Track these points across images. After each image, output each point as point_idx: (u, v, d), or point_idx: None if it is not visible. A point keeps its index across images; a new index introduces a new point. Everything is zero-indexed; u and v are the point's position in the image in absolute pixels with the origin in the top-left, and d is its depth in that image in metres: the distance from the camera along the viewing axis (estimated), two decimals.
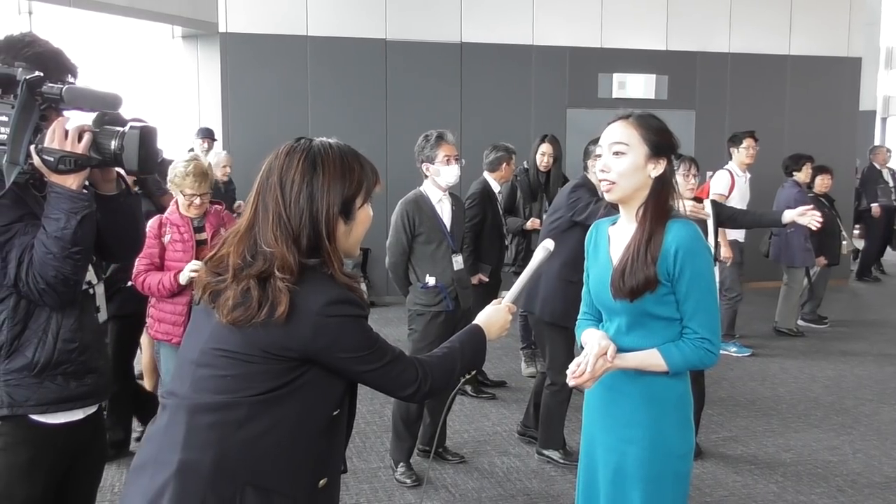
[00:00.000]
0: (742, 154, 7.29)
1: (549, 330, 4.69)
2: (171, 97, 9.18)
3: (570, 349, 4.63)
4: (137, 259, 4.07)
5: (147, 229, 4.15)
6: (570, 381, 2.40)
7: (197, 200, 4.21)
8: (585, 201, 4.48)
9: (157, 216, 4.28)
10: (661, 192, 2.40)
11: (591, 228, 2.66)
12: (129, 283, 4.27)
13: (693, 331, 2.37)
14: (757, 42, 10.66)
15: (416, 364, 1.97)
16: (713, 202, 5.09)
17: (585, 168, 4.80)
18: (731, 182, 7.24)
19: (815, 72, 10.84)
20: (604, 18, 10.15)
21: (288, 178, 1.79)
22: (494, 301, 2.31)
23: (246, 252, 1.79)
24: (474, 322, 2.23)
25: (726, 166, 7.37)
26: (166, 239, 4.19)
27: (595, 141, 4.72)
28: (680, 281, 2.33)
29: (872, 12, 12.50)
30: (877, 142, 13.95)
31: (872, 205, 11.41)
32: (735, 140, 7.37)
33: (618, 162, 2.39)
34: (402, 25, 9.50)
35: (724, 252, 6.97)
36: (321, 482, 1.89)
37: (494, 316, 2.25)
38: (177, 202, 4.30)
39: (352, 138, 1.93)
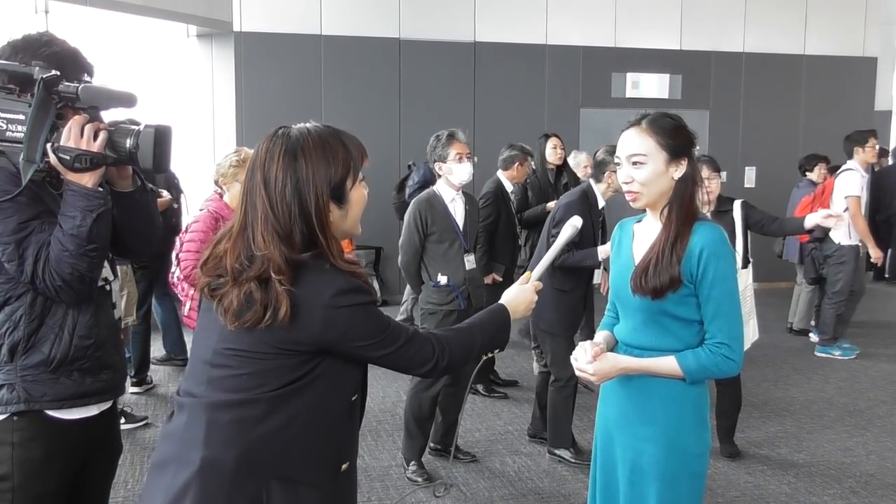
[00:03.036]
0: (868, 153, 7.22)
1: (547, 333, 4.73)
2: (185, 96, 9.20)
3: (570, 345, 4.65)
4: (186, 254, 4.16)
5: (197, 224, 4.22)
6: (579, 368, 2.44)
7: None
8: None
9: (208, 212, 4.30)
10: (686, 192, 2.39)
11: (615, 228, 2.66)
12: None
13: (712, 335, 2.36)
14: (771, 42, 10.62)
15: (432, 340, 1.94)
16: (744, 203, 5.00)
17: (598, 178, 4.74)
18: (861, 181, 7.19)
19: (831, 72, 10.79)
20: (617, 18, 10.13)
21: (271, 175, 1.76)
22: (521, 279, 2.29)
23: (242, 255, 1.77)
24: (500, 301, 2.21)
25: (849, 166, 7.25)
26: None
27: (611, 151, 4.69)
28: (702, 283, 2.33)
29: (888, 12, 12.39)
30: (891, 142, 13.82)
31: None
32: (860, 139, 7.25)
33: (639, 172, 2.38)
34: (416, 25, 9.51)
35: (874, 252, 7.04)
36: (343, 466, 1.89)
37: (521, 296, 2.23)
38: (220, 197, 4.36)
39: (365, 138, 1.93)
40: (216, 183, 4.41)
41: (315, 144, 1.80)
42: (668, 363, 2.37)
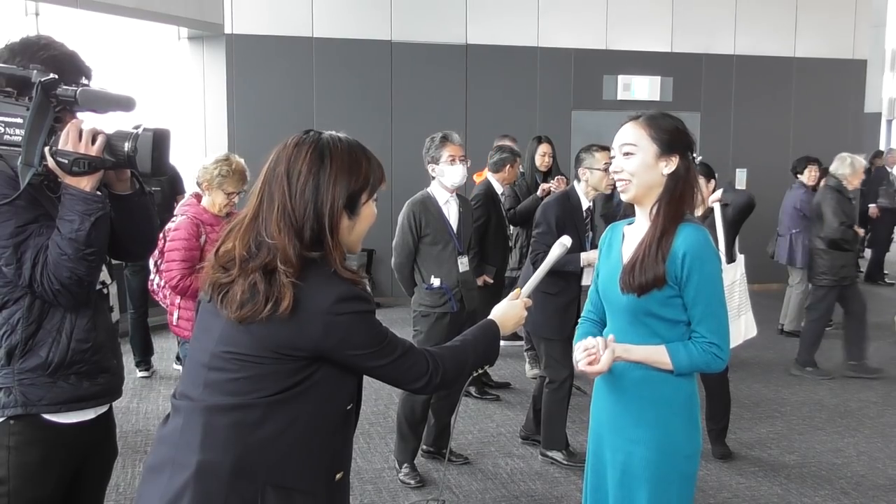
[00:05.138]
0: None
1: (540, 338, 4.76)
2: (176, 98, 9.19)
3: (565, 348, 4.67)
4: (169, 263, 4.02)
5: (178, 232, 4.09)
6: (581, 364, 2.39)
7: (235, 198, 4.23)
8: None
9: (188, 218, 4.14)
10: (675, 190, 2.41)
11: (606, 230, 2.68)
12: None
13: (701, 335, 2.38)
14: (762, 44, 10.66)
15: (426, 356, 1.96)
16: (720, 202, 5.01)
17: (577, 176, 4.78)
18: None
19: (821, 74, 10.85)
20: (609, 20, 10.16)
21: (295, 169, 1.79)
22: (511, 294, 2.31)
23: (251, 242, 1.79)
24: (489, 316, 2.23)
25: None
26: (201, 240, 4.08)
27: (587, 148, 4.74)
28: (688, 286, 2.34)
29: (878, 14, 12.50)
30: (882, 144, 13.96)
31: (870, 206, 11.32)
32: None
33: (628, 162, 2.41)
34: (408, 27, 9.51)
35: None
36: (338, 475, 1.91)
37: (510, 311, 2.25)
38: (199, 201, 4.24)
39: (357, 140, 1.94)
40: (198, 185, 4.29)
41: (342, 151, 1.84)
42: (658, 353, 2.39)
